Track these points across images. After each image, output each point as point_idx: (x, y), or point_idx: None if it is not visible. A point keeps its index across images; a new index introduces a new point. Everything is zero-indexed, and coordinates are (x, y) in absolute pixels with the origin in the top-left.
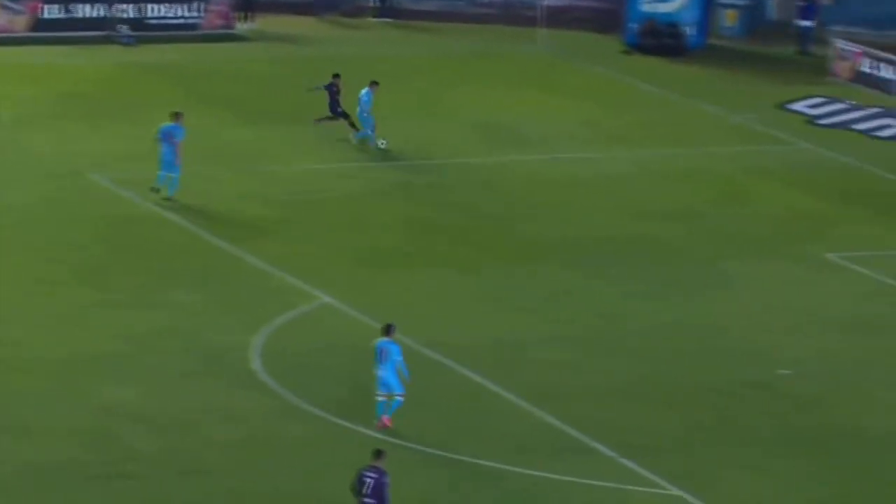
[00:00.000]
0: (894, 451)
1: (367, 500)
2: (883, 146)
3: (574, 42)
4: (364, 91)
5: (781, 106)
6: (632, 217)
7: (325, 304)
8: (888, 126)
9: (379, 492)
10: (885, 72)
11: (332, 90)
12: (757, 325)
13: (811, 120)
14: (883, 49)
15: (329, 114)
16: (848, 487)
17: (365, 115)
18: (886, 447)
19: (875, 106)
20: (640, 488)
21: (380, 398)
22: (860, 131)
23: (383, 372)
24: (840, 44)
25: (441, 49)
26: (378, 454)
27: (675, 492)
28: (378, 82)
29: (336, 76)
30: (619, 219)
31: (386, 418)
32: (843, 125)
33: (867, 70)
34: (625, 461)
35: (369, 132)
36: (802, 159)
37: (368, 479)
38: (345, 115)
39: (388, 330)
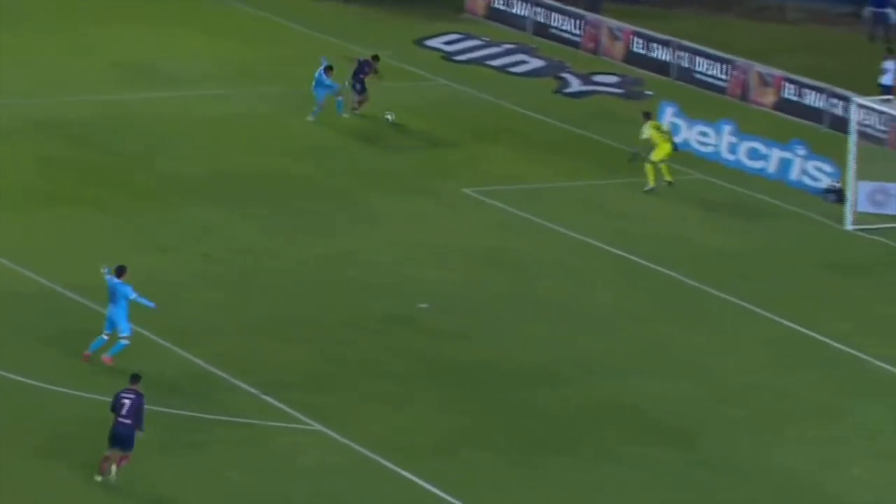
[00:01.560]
0: (529, 382)
1: (123, 419)
2: (517, 82)
3: None
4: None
5: (418, 42)
6: (272, 154)
7: None
8: (522, 62)
9: (135, 412)
10: (519, 8)
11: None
12: (397, 260)
13: (447, 56)
14: None
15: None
16: (485, 417)
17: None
18: (522, 378)
19: (509, 42)
20: (283, 424)
21: (104, 336)
22: (495, 67)
23: (111, 311)
24: None
25: None
26: (135, 378)
27: (317, 427)
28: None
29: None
30: (258, 156)
31: (107, 357)
32: (479, 61)
33: (501, 7)
34: (267, 398)
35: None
36: (440, 95)
37: (126, 401)
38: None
39: (119, 271)
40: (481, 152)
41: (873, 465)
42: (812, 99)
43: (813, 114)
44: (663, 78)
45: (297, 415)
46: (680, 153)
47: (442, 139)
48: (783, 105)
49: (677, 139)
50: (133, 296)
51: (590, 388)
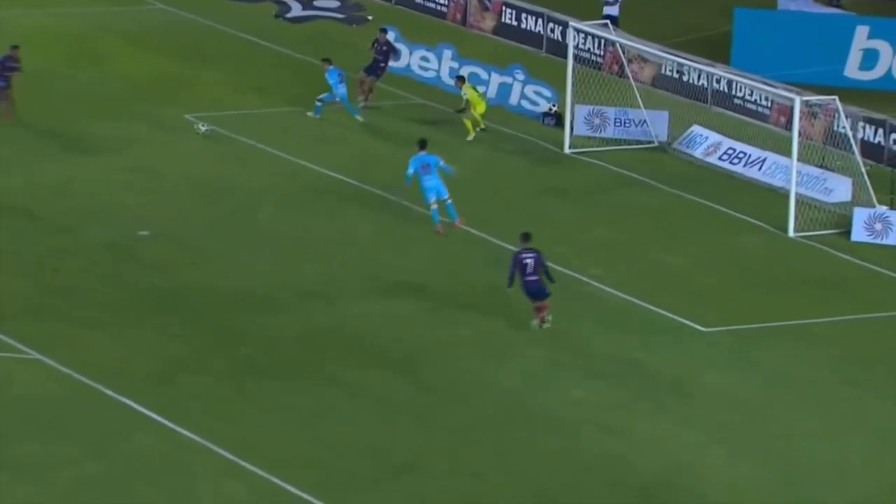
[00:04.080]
0: (248, 309)
1: (530, 278)
2: (236, 6)
3: None
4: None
5: None
6: None
7: None
8: None
9: (539, 267)
10: None
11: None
12: (116, 188)
13: None
14: None
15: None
16: (203, 345)
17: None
18: (240, 306)
19: None
20: None
21: (433, 206)
22: None
23: (429, 182)
24: None
25: None
26: (527, 237)
27: (32, 355)
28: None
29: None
30: None
31: (459, 221)
32: None
33: None
34: None
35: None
36: (158, 20)
37: (529, 260)
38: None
39: (423, 144)
40: (202, 78)
41: (592, 385)
42: (531, 24)
43: (532, 38)
44: (384, 3)
45: (12, 342)
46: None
47: (162, 65)
48: (503, 30)
49: (398, 64)
50: (441, 164)
51: (309, 315)
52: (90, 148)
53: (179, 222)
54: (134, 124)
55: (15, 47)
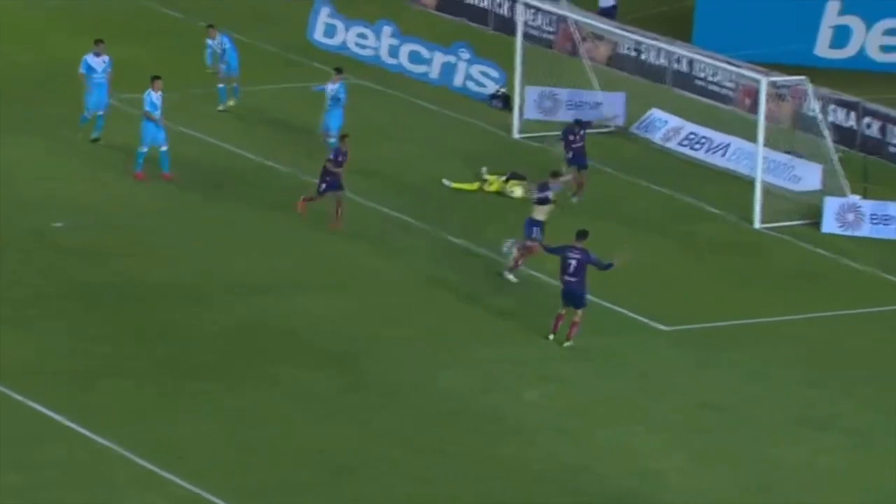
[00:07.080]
0: (173, 304)
1: (569, 278)
2: None
3: None
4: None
5: None
6: None
7: None
8: None
9: (582, 271)
10: None
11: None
12: (31, 176)
13: None
14: None
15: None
16: (124, 343)
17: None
18: (165, 300)
19: None
20: None
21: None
22: None
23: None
24: None
25: None
26: (582, 234)
27: None
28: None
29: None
30: None
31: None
32: None
33: None
34: None
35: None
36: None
37: (573, 260)
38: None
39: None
40: (126, 57)
41: (547, 388)
42: None
43: (478, 14)
44: None
45: None
46: None
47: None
48: (446, 5)
49: (334, 41)
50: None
51: (240, 309)
52: (14, 131)
53: (105, 211)
54: (54, 108)
55: (343, 137)
